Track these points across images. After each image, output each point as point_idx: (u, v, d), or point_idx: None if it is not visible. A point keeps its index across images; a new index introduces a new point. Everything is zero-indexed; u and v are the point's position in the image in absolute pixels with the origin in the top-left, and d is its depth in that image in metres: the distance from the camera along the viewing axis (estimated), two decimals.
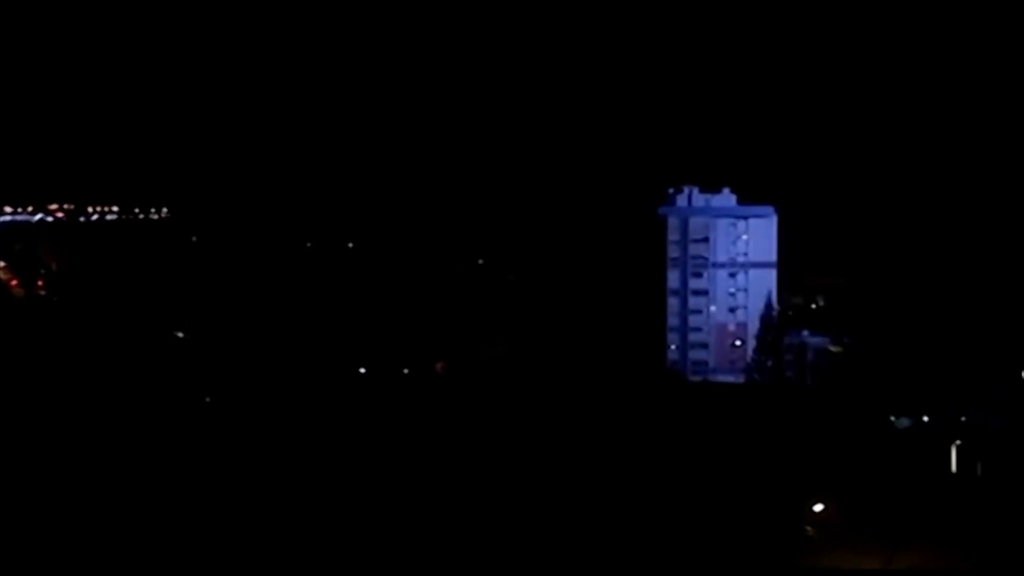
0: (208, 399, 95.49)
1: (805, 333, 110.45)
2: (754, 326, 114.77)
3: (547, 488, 70.41)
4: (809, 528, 64.13)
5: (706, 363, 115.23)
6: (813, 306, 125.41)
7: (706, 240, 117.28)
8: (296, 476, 73.85)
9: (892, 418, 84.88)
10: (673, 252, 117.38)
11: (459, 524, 64.93)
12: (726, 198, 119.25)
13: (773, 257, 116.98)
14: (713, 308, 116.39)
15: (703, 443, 79.24)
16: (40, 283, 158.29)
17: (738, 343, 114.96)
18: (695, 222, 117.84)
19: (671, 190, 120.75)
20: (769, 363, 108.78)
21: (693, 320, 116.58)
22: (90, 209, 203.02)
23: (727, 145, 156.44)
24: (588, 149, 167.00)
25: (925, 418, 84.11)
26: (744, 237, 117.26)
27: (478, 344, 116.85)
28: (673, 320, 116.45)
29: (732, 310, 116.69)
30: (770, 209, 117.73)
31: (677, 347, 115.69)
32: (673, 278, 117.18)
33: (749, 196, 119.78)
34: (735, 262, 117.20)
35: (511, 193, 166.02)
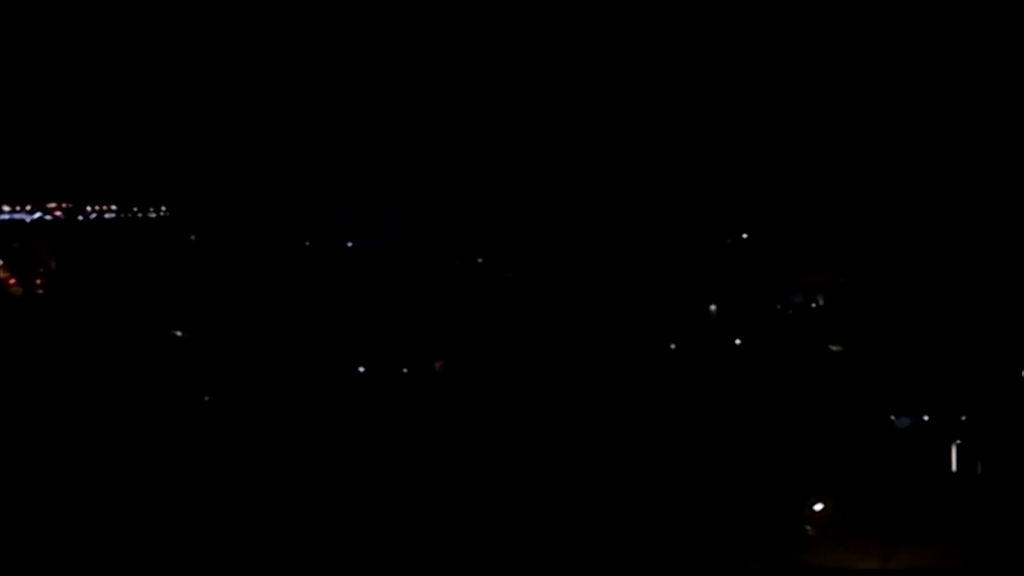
0: (207, 398, 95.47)
1: (805, 332, 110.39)
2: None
3: (545, 487, 70.31)
4: (808, 527, 63.97)
5: (705, 362, 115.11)
6: (813, 305, 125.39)
7: None
8: (295, 474, 73.79)
9: (892, 417, 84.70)
10: None
11: (459, 523, 64.87)
12: None
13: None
14: (713, 307, 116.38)
15: (702, 442, 79.11)
16: (38, 281, 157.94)
17: (737, 342, 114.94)
18: None
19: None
20: (768, 362, 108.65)
21: None
22: (88, 208, 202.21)
23: (726, 144, 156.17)
24: (588, 148, 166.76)
25: (925, 417, 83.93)
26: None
27: (477, 342, 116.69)
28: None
29: None
30: None
31: (676, 346, 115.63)
32: None
33: (748, 192, 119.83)
34: None
35: (510, 192, 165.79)
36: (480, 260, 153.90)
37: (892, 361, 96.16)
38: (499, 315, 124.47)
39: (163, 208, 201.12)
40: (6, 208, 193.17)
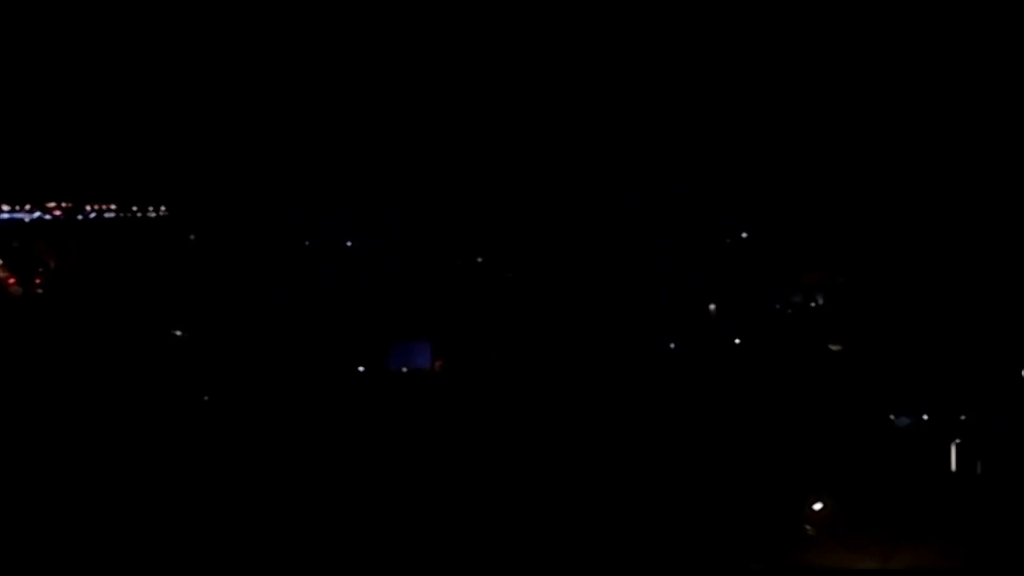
0: (206, 397, 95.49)
1: (805, 332, 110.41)
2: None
3: (545, 487, 70.32)
4: (808, 527, 63.98)
5: (704, 362, 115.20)
6: (813, 304, 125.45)
7: None
8: (296, 473, 73.82)
9: (892, 417, 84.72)
10: None
11: (459, 522, 64.89)
12: None
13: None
14: (712, 307, 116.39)
15: (702, 442, 79.12)
16: (38, 281, 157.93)
17: (737, 342, 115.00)
18: None
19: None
20: (768, 362, 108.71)
21: None
22: (88, 207, 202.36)
23: (726, 144, 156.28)
24: (588, 148, 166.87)
25: (925, 417, 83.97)
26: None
27: (477, 342, 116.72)
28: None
29: None
30: None
31: (676, 346, 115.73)
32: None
33: (747, 192, 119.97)
34: None
35: (509, 192, 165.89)
36: (480, 260, 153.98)
37: (892, 361, 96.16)
38: (499, 315, 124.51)
39: (163, 208, 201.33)
40: (6, 208, 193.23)
